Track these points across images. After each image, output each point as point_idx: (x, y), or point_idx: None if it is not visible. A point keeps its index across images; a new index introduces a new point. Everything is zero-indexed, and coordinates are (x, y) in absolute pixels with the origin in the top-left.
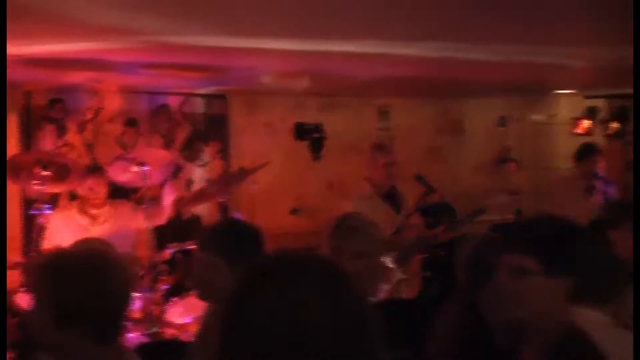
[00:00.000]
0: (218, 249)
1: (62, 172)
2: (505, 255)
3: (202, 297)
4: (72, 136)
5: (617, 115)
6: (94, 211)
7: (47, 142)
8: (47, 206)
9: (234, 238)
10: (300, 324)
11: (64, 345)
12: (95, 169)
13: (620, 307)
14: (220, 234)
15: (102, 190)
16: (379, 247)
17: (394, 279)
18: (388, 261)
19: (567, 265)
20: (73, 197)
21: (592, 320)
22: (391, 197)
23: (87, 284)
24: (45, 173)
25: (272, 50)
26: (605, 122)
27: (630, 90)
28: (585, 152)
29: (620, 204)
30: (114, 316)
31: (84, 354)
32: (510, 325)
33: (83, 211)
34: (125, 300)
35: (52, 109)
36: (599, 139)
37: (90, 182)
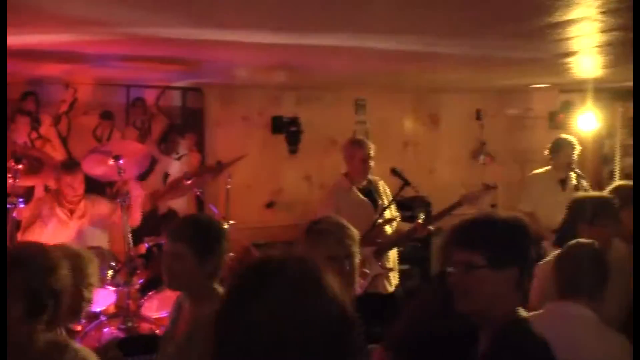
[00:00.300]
0: (185, 240)
1: (35, 166)
2: (456, 252)
3: (170, 285)
4: (46, 129)
5: (592, 109)
6: (71, 206)
7: (21, 135)
8: (21, 200)
9: (201, 230)
10: (287, 323)
11: (30, 337)
12: (74, 165)
13: (601, 303)
14: (188, 226)
15: (81, 187)
16: (350, 250)
17: (371, 273)
18: (365, 256)
19: (511, 258)
20: (47, 190)
21: (579, 315)
22: (368, 192)
23: (50, 269)
24: (18, 166)
25: (248, 43)
26: (580, 116)
27: (604, 85)
28: (560, 146)
29: (590, 201)
30: (65, 300)
31: (43, 342)
32: (468, 314)
33: (61, 204)
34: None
35: (26, 101)
36: (573, 133)
37: (69, 179)
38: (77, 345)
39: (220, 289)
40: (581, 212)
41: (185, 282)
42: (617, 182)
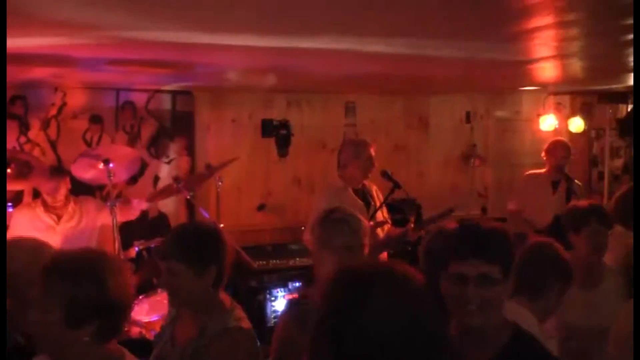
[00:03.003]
0: (177, 257)
1: (24, 170)
2: (451, 264)
3: (173, 304)
4: (35, 133)
5: (581, 111)
6: (57, 211)
7: (9, 138)
8: (10, 204)
9: (191, 243)
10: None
11: (71, 345)
12: (56, 171)
13: (546, 305)
14: (177, 240)
15: (61, 194)
16: (363, 240)
17: None
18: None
19: (511, 269)
20: (36, 194)
21: (523, 316)
22: (362, 194)
23: (98, 282)
24: (7, 171)
25: (238, 46)
26: (569, 118)
27: (593, 87)
28: (552, 148)
29: (580, 209)
30: (118, 314)
31: (88, 353)
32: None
33: (48, 209)
34: (129, 298)
35: (14, 105)
36: (563, 135)
37: (51, 185)
38: (133, 357)
39: (224, 298)
40: (570, 220)
41: (187, 297)
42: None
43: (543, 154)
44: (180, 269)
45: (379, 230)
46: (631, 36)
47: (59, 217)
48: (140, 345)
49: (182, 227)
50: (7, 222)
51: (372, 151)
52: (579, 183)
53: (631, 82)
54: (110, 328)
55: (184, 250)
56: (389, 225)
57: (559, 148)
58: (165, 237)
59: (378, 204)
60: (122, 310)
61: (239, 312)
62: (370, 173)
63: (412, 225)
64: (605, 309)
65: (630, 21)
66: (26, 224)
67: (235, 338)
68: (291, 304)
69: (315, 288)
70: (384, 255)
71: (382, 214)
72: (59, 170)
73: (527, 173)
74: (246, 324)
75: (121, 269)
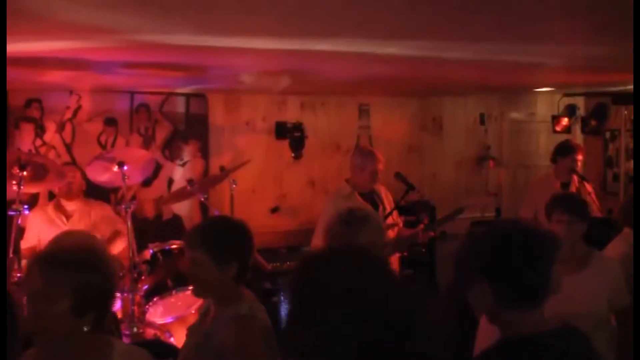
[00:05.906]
0: (201, 247)
1: (40, 172)
2: None
3: (195, 293)
4: (50, 136)
5: (596, 113)
6: (69, 207)
7: (25, 141)
8: (26, 207)
9: (216, 235)
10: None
11: (73, 335)
12: (69, 165)
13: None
14: (203, 231)
15: (77, 184)
16: (384, 239)
17: None
18: None
19: None
20: (52, 196)
21: None
22: (370, 197)
23: (99, 270)
24: (23, 173)
25: (251, 49)
26: (583, 119)
27: (607, 89)
28: (564, 150)
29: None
30: (112, 302)
31: (87, 342)
32: None
33: (59, 209)
34: (117, 287)
35: (30, 108)
36: (577, 136)
37: (65, 180)
38: (124, 343)
39: (245, 291)
40: None
41: (208, 288)
42: None
43: (551, 156)
44: (204, 259)
45: (389, 232)
46: None
47: (68, 217)
48: (155, 347)
49: (212, 219)
50: (24, 224)
51: (380, 164)
52: (589, 182)
53: None
54: (104, 316)
55: (209, 242)
56: (400, 227)
57: (575, 150)
58: (194, 226)
59: (388, 206)
60: (113, 299)
61: (257, 305)
62: (374, 183)
63: (423, 226)
64: None
65: None
66: (40, 224)
67: (245, 324)
68: None
69: None
70: (396, 257)
71: (392, 217)
72: (71, 165)
73: (534, 180)
74: (261, 314)
75: (111, 258)
